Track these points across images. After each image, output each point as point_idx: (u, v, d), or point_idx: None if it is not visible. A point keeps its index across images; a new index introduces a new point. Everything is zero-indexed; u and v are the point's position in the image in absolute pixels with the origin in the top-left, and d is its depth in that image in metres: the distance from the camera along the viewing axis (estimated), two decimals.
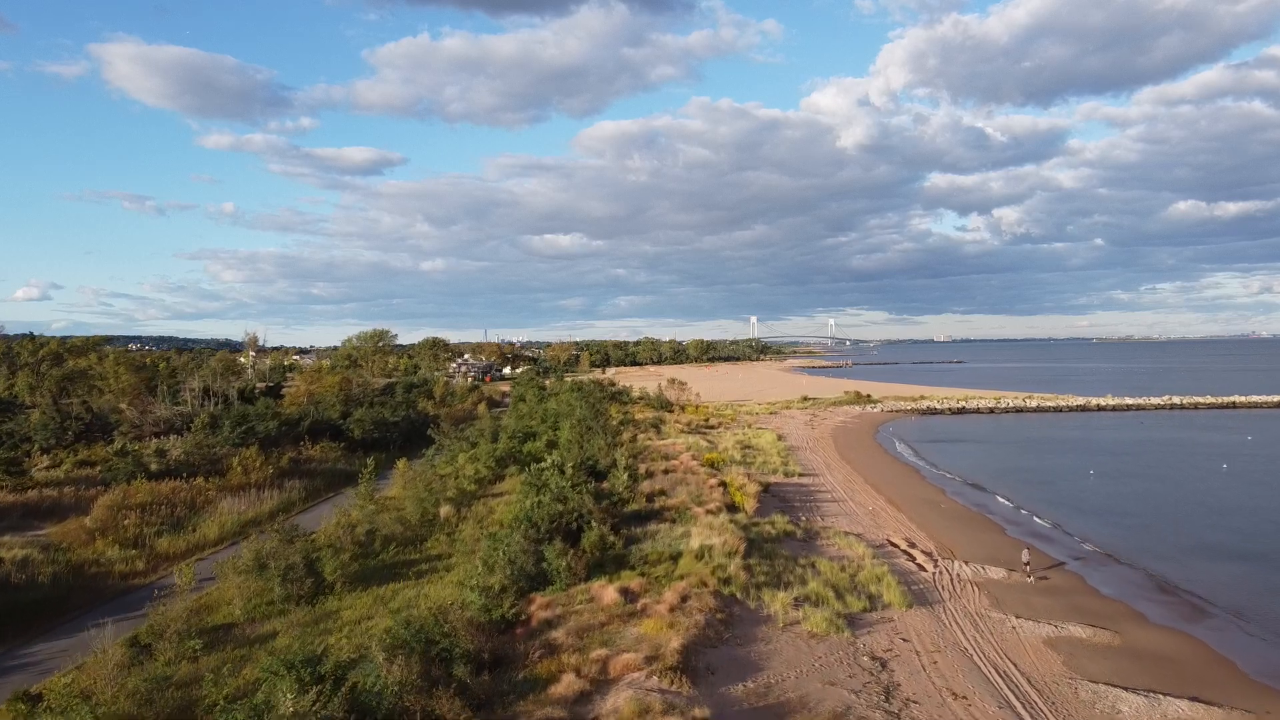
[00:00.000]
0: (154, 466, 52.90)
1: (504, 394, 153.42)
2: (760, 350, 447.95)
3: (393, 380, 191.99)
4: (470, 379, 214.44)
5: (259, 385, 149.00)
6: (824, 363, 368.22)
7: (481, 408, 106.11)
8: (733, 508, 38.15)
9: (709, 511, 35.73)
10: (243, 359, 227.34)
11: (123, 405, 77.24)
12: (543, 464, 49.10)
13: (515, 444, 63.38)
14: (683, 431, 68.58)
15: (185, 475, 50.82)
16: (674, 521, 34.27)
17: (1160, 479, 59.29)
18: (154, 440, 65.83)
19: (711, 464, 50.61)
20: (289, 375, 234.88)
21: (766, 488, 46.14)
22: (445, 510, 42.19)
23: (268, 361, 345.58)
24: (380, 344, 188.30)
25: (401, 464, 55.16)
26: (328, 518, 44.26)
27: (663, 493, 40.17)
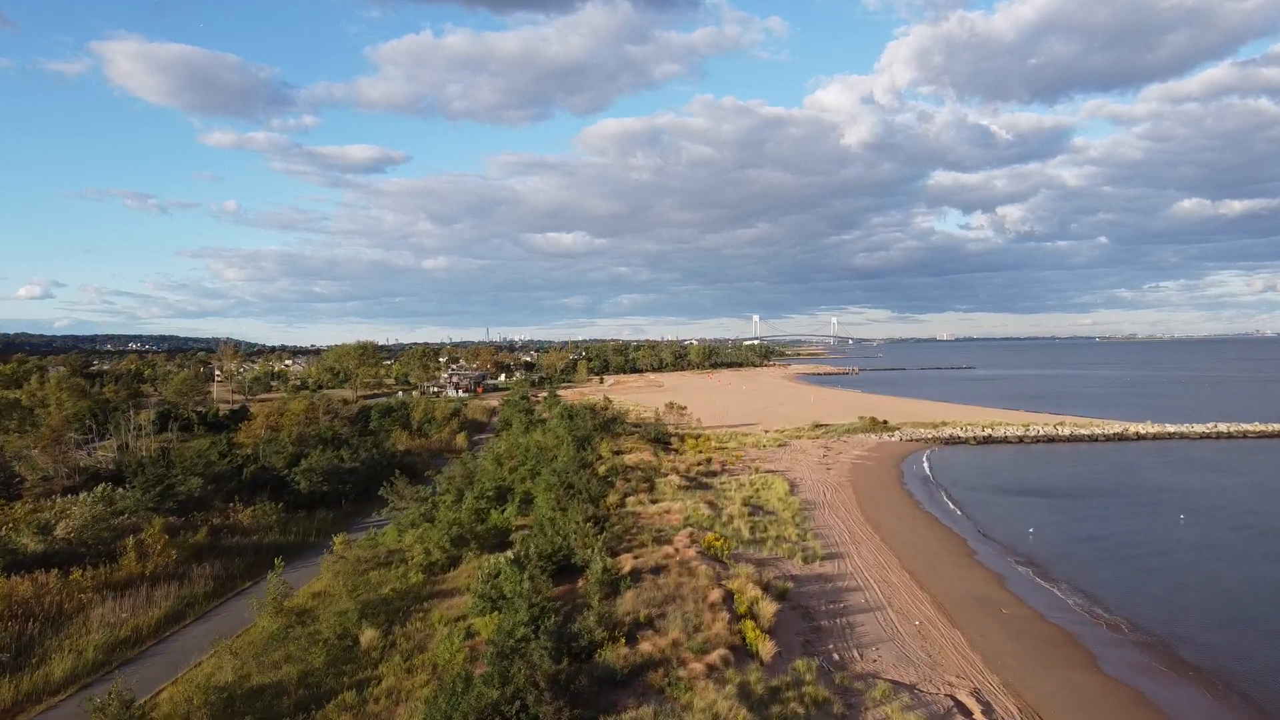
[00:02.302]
0: (32, 548, 43.22)
1: (493, 411, 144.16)
2: (763, 355, 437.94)
3: (376, 396, 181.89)
4: (461, 390, 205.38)
5: (223, 406, 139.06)
6: (829, 368, 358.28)
7: (461, 438, 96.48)
8: (742, 650, 28.38)
9: (710, 667, 26.02)
10: (227, 365, 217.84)
11: (34, 450, 67.46)
12: (505, 556, 39.58)
13: (485, 505, 53.76)
14: (681, 487, 58.79)
15: (65, 564, 41.13)
16: (662, 692, 24.52)
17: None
18: (59, 500, 56.16)
19: (714, 552, 40.84)
20: (273, 385, 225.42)
21: (784, 594, 36.35)
22: (369, 635, 32.45)
23: (256, 366, 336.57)
24: (365, 356, 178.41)
25: (339, 542, 45.45)
26: (221, 633, 34.70)
27: (649, 622, 30.40)
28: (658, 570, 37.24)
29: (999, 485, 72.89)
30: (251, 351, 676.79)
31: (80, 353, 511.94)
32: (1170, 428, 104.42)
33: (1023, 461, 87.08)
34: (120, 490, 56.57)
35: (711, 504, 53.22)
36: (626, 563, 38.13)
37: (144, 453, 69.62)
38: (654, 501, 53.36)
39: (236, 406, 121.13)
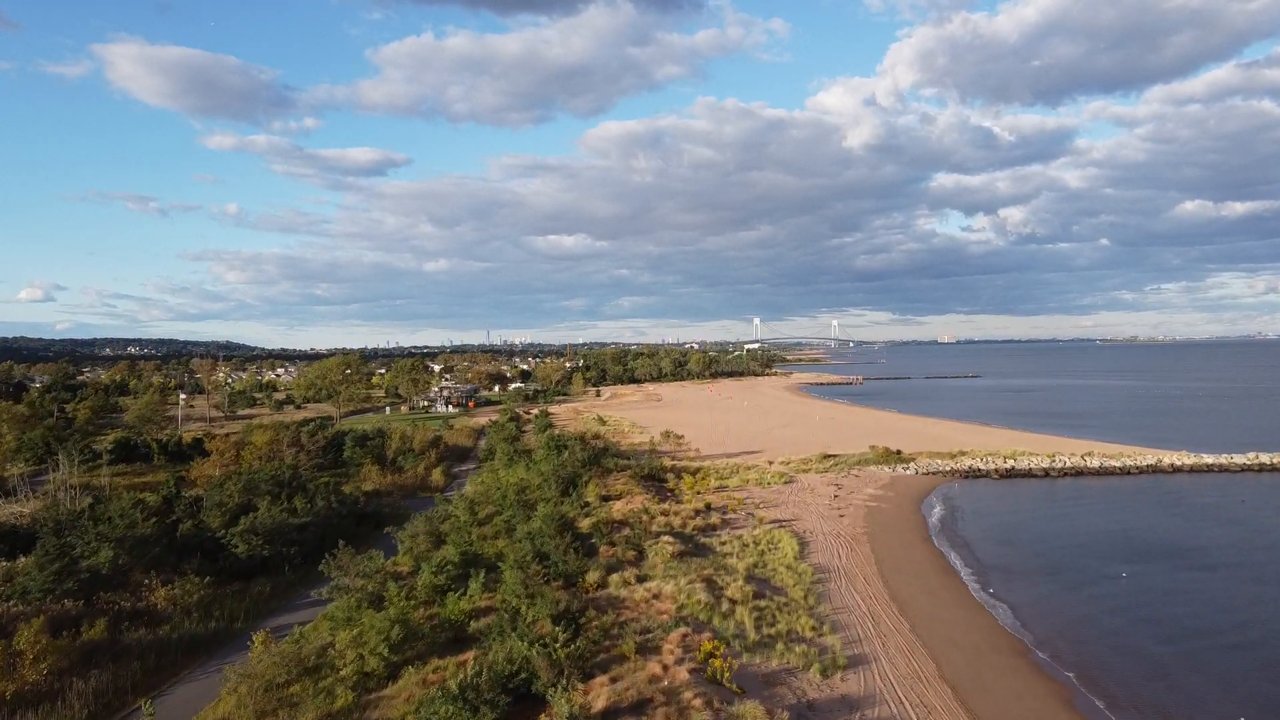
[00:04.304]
0: None
1: (481, 431, 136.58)
2: (765, 363, 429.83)
3: (363, 411, 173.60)
4: (452, 405, 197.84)
5: (200, 425, 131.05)
6: (832, 377, 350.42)
7: (437, 474, 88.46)
8: None
9: None
10: (208, 379, 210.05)
11: None
12: (453, 679, 31.71)
13: (445, 581, 45.87)
14: (675, 554, 50.76)
15: None
16: None
17: None
18: None
19: (712, 672, 32.85)
20: (258, 398, 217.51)
21: None
22: None
23: (244, 376, 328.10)
24: (349, 372, 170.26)
25: (258, 643, 37.51)
26: None
27: None
28: (639, 708, 29.26)
29: (1033, 537, 64.82)
30: (249, 356, 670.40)
31: (71, 359, 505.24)
32: (1208, 458, 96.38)
33: (1053, 502, 79.05)
34: (24, 560, 48.96)
35: (709, 581, 45.22)
36: (600, 693, 30.18)
37: (69, 504, 61.64)
38: (642, 579, 45.37)
39: (201, 434, 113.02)
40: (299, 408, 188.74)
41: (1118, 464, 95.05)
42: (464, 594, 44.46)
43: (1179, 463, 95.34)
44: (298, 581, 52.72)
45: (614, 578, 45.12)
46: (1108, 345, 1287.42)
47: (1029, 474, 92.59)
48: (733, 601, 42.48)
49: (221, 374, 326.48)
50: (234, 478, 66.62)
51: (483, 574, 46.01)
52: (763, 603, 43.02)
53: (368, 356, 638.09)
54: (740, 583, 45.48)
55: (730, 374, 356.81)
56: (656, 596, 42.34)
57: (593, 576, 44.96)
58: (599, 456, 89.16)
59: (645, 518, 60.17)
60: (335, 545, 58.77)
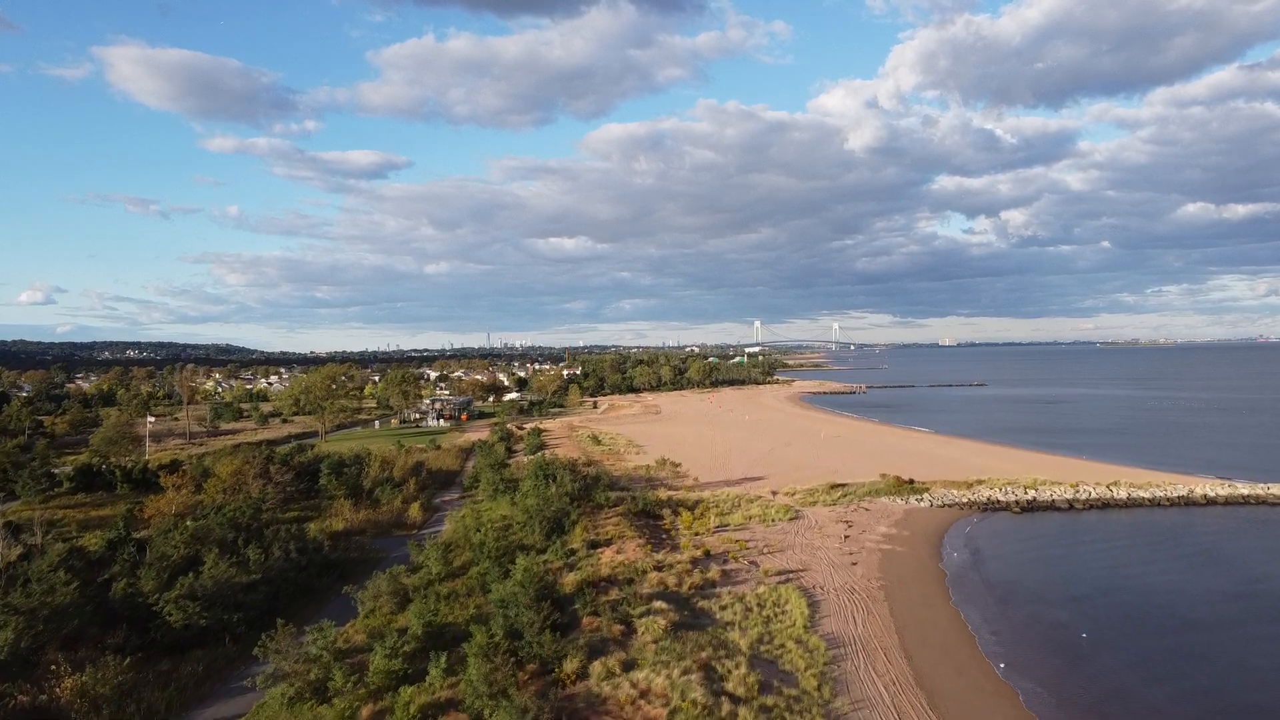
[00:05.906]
0: None
1: (470, 451, 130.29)
2: (766, 371, 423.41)
3: (351, 425, 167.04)
4: (444, 418, 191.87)
5: (179, 442, 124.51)
6: (834, 385, 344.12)
7: (415, 509, 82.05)
8: None
9: None
10: (191, 389, 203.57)
11: None
12: None
13: (400, 665, 39.61)
14: (668, 626, 44.41)
15: None
16: None
17: None
18: None
19: None
20: (244, 411, 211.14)
21: None
22: None
23: (234, 385, 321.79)
24: (334, 386, 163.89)
25: None
26: None
27: None
28: None
29: (1063, 592, 58.27)
30: (247, 360, 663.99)
31: (67, 363, 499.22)
32: (1243, 489, 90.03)
33: (1079, 543, 72.60)
34: None
35: (707, 669, 38.87)
36: None
37: None
38: (628, 666, 39.01)
39: (171, 458, 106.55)
40: (285, 421, 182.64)
41: (1146, 494, 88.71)
42: (422, 684, 38.21)
43: (1212, 493, 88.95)
44: (239, 655, 46.13)
45: (596, 666, 38.70)
46: (1108, 348, 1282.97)
47: (1051, 506, 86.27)
48: (735, 700, 36.08)
49: (211, 382, 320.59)
50: (182, 526, 60.24)
51: (444, 659, 39.64)
52: (769, 699, 36.65)
53: (367, 360, 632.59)
54: (743, 669, 39.10)
55: (731, 382, 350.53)
56: (644, 694, 35.98)
57: (571, 665, 38.57)
58: (590, 489, 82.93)
59: (636, 574, 53.80)
60: (289, 605, 52.76)
